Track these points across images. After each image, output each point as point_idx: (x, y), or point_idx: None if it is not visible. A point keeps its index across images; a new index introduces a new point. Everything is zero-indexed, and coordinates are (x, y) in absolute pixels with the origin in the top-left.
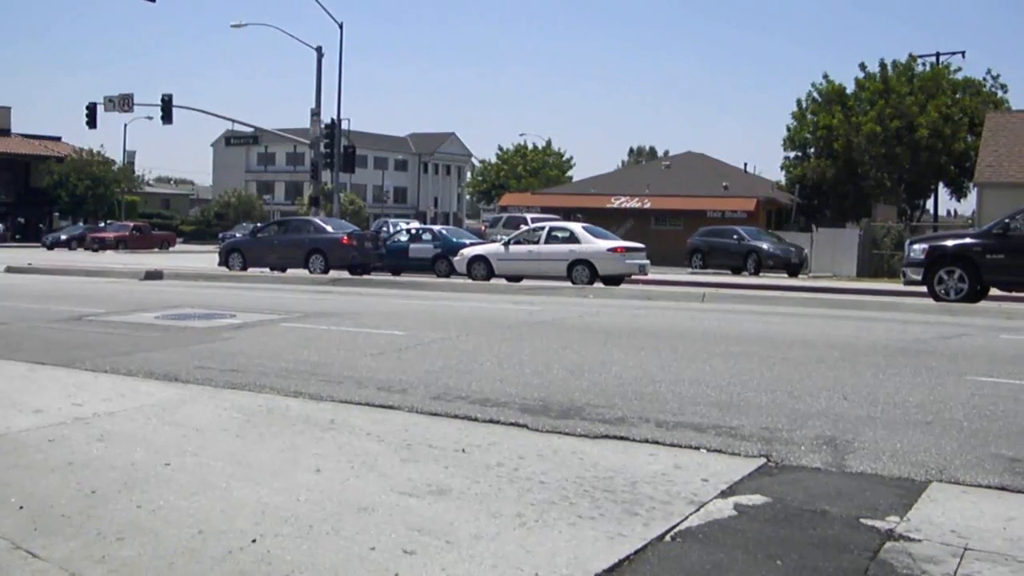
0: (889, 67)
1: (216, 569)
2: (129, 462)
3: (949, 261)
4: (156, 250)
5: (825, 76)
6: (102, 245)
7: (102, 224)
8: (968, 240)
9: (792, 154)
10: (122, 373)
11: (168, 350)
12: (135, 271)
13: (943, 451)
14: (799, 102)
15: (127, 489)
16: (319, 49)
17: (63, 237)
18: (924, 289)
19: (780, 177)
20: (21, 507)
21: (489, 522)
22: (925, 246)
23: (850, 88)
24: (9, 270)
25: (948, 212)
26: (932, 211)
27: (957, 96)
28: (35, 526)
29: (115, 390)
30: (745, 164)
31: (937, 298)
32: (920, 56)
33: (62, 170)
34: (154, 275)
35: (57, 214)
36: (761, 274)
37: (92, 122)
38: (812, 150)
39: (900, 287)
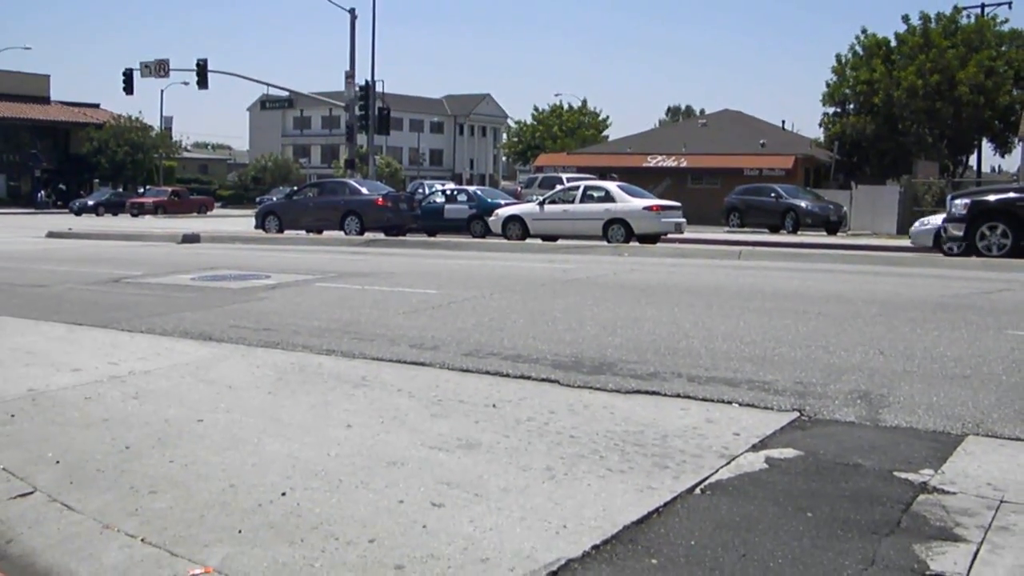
0: (932, 19)
1: (246, 521)
2: (163, 419)
3: (992, 216)
4: (194, 214)
5: (864, 30)
6: (141, 210)
7: (140, 190)
8: (1012, 194)
9: (831, 110)
10: (157, 333)
11: (203, 310)
12: (173, 235)
13: (980, 405)
14: (839, 57)
15: (160, 445)
16: (352, 11)
17: (90, 203)
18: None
19: (819, 134)
20: (58, 462)
21: (518, 475)
22: (967, 201)
23: (892, 42)
24: (50, 235)
25: (992, 168)
26: (975, 167)
27: (1003, 48)
28: (71, 480)
29: (151, 349)
30: (783, 121)
31: (979, 254)
32: (965, 8)
33: (101, 137)
34: (191, 238)
35: (97, 180)
36: (799, 232)
37: (129, 88)
38: (852, 106)
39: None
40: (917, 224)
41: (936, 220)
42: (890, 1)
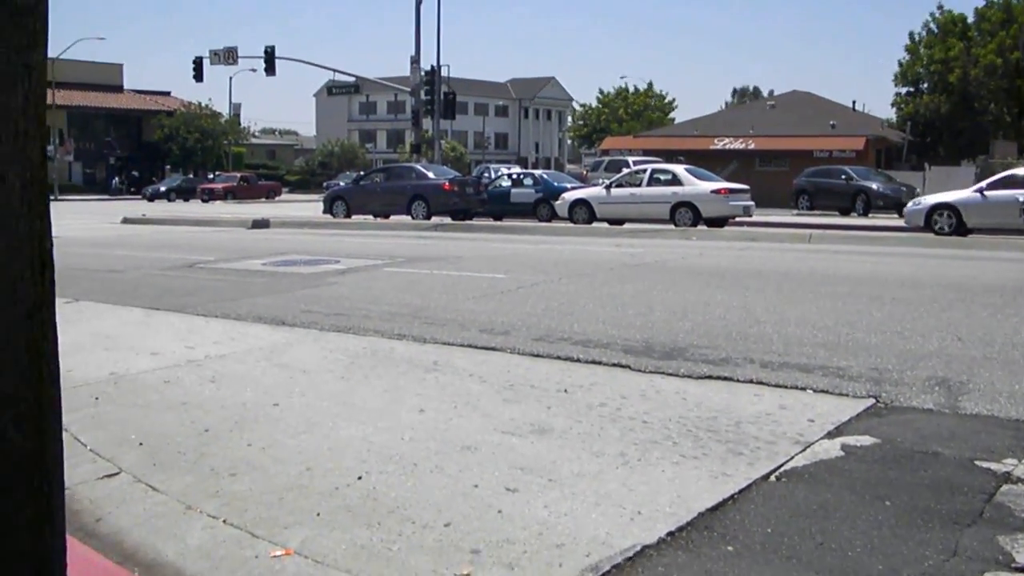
0: None
1: (324, 504)
2: (239, 402)
3: None
4: (263, 200)
5: (940, 7)
6: (211, 196)
7: (210, 176)
8: None
9: (904, 90)
10: (232, 318)
11: (275, 295)
12: (243, 220)
13: None
14: (912, 35)
15: (238, 428)
16: None
17: (162, 189)
18: None
19: (891, 114)
20: (141, 443)
21: (591, 461)
22: None
23: (970, 18)
24: (125, 221)
25: None
26: None
27: None
28: (154, 461)
29: (225, 334)
30: (854, 102)
31: None
32: None
33: (172, 124)
34: (261, 224)
35: (168, 167)
36: (870, 215)
37: (199, 75)
38: (925, 85)
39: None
40: (911, 204)
41: (928, 200)
42: None
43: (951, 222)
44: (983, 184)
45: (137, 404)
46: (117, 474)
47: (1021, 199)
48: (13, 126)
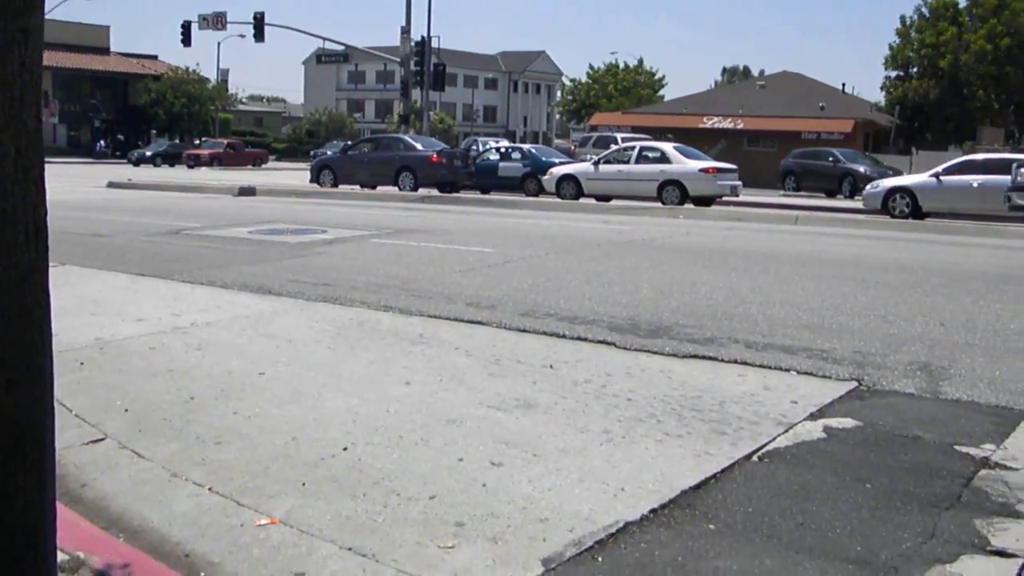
0: None
1: (309, 474)
2: (225, 370)
3: None
4: (249, 167)
5: None
6: (197, 162)
7: (196, 142)
8: None
9: (894, 74)
10: (218, 285)
11: (262, 264)
12: (229, 187)
13: None
14: (903, 19)
15: (224, 396)
16: None
17: (148, 153)
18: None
19: (880, 98)
20: (126, 410)
21: (576, 437)
22: None
23: (962, 3)
24: (110, 185)
25: None
26: None
27: None
28: (139, 428)
29: (211, 301)
30: (843, 84)
31: None
32: None
33: (159, 88)
34: (247, 191)
35: (155, 131)
36: (857, 198)
37: (187, 40)
38: (915, 69)
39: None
40: (869, 187)
41: (886, 184)
42: None
43: (907, 204)
44: (939, 169)
45: (123, 370)
46: (103, 440)
47: (976, 184)
48: (8, 92)
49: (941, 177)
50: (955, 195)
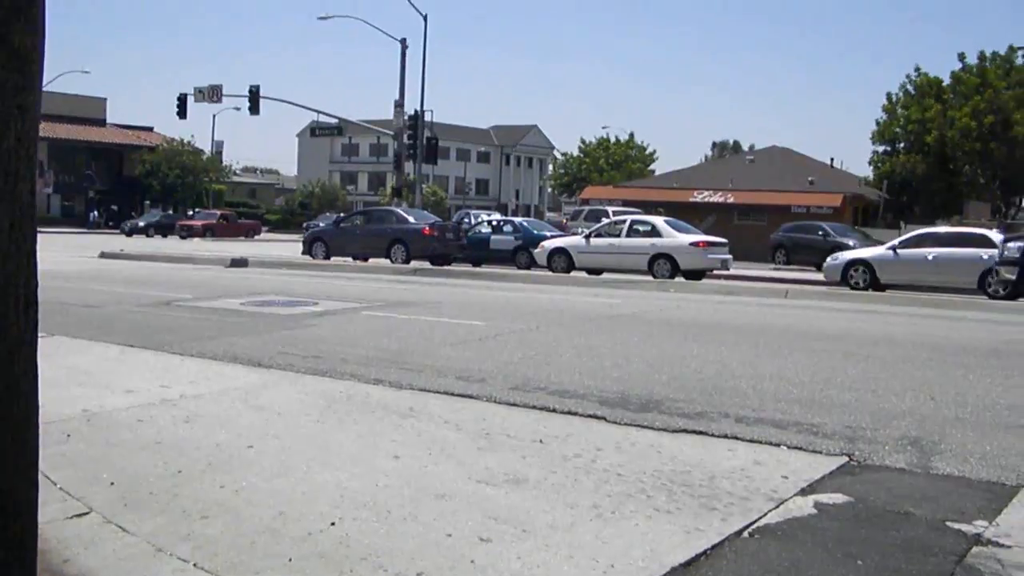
0: (988, 60)
1: (296, 549)
2: (214, 443)
3: None
4: (242, 238)
5: (918, 68)
6: (190, 232)
7: (190, 212)
8: None
9: (881, 149)
10: (208, 357)
11: (252, 336)
12: (221, 258)
13: None
14: (890, 95)
15: (211, 469)
16: (403, 41)
17: (140, 224)
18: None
19: (868, 172)
20: (112, 483)
21: (565, 512)
22: (1021, 244)
23: (946, 81)
24: (103, 255)
25: None
26: None
27: None
28: (125, 502)
29: (201, 373)
30: (832, 159)
31: None
32: (1020, 48)
33: (154, 159)
34: (240, 263)
35: (148, 202)
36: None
37: (182, 112)
38: (902, 145)
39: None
40: (829, 259)
41: (845, 256)
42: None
43: (866, 278)
44: (896, 242)
45: (110, 442)
46: (87, 514)
47: (930, 257)
48: (3, 166)
49: (898, 250)
50: (911, 268)
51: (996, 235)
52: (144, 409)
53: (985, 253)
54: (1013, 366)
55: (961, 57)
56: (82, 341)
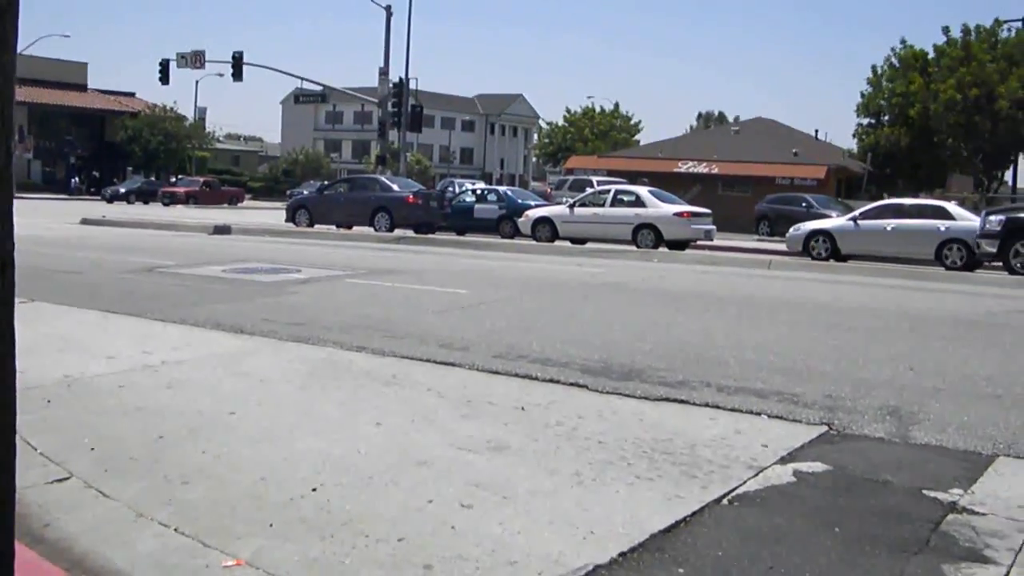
0: (973, 32)
1: (278, 515)
2: (196, 409)
3: None
4: (225, 206)
5: (903, 41)
6: (173, 199)
7: (172, 179)
8: None
9: (865, 121)
10: (190, 324)
11: (235, 302)
12: (204, 225)
13: (1012, 425)
14: (875, 68)
15: (193, 435)
16: (388, 8)
17: (122, 190)
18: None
19: (852, 145)
20: (93, 449)
21: (546, 479)
22: (1002, 217)
23: (931, 54)
24: (84, 222)
25: None
26: (1011, 183)
27: None
28: (106, 468)
29: (183, 340)
30: (816, 131)
31: (1012, 271)
32: (1007, 21)
33: (136, 125)
34: (223, 230)
35: (130, 169)
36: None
37: (165, 78)
38: (887, 117)
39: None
40: (792, 229)
41: (807, 227)
42: (927, 14)
43: (827, 247)
44: (856, 213)
45: (90, 408)
46: (67, 479)
47: (889, 228)
48: None
49: (859, 221)
50: (870, 238)
51: (954, 207)
52: (126, 375)
53: (942, 225)
54: (992, 337)
55: (946, 30)
56: (63, 307)
